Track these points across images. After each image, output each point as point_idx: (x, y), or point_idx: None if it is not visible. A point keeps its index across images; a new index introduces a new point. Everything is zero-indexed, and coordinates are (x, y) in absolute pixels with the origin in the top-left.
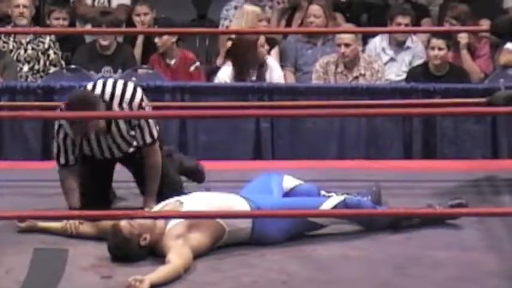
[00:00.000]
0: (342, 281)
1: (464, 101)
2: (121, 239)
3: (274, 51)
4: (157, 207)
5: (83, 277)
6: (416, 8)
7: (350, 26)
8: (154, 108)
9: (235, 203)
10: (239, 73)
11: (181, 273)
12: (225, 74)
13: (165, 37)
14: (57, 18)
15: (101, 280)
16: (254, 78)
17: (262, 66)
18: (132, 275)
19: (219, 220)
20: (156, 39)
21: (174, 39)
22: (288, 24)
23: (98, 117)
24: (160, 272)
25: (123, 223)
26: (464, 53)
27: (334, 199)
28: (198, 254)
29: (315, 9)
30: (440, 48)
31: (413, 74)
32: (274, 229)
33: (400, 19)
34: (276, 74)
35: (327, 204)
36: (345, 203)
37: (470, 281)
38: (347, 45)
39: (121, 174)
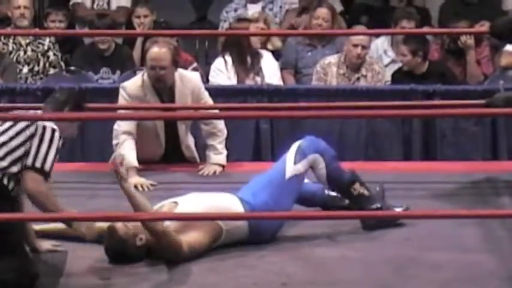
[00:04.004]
0: (341, 283)
1: (463, 103)
2: (117, 239)
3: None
4: (153, 208)
5: (81, 279)
6: (418, 12)
7: (362, 28)
8: (153, 110)
9: (228, 202)
10: (238, 61)
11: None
12: (220, 64)
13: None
14: (53, 21)
15: (100, 282)
16: (249, 63)
17: (257, 56)
18: (131, 277)
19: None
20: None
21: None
22: (292, 26)
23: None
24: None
25: (119, 224)
26: (471, 54)
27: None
28: (196, 252)
29: (324, 12)
30: (403, 55)
31: (397, 76)
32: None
33: (405, 23)
34: (269, 66)
35: (289, 159)
36: (302, 150)
37: (469, 283)
38: (364, 47)
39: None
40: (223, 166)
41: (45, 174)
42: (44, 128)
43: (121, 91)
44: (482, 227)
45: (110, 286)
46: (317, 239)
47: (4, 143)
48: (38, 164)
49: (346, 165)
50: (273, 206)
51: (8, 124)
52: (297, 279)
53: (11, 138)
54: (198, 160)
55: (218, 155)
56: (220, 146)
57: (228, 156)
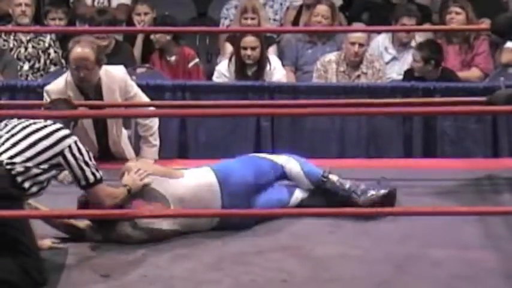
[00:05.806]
0: (341, 280)
1: (464, 100)
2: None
3: (272, 49)
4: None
5: (82, 276)
6: (419, 8)
7: (361, 25)
8: (155, 107)
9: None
10: (238, 67)
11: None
12: (223, 67)
13: None
14: (53, 19)
15: (100, 278)
16: (249, 73)
17: (261, 62)
18: (130, 274)
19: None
20: (152, 35)
21: (169, 35)
22: (294, 22)
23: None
24: None
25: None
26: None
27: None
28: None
29: (323, 9)
30: (416, 61)
31: (409, 77)
32: (238, 175)
33: (406, 20)
34: (277, 73)
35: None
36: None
37: (469, 280)
38: (361, 45)
39: None
40: (155, 160)
41: (97, 181)
42: (70, 146)
43: (44, 95)
44: (483, 224)
45: (109, 283)
46: (316, 236)
47: (32, 145)
48: (83, 183)
49: (347, 163)
50: (241, 167)
51: (34, 126)
52: (297, 277)
53: (36, 142)
54: (129, 156)
55: (150, 148)
56: (152, 138)
57: (228, 154)
